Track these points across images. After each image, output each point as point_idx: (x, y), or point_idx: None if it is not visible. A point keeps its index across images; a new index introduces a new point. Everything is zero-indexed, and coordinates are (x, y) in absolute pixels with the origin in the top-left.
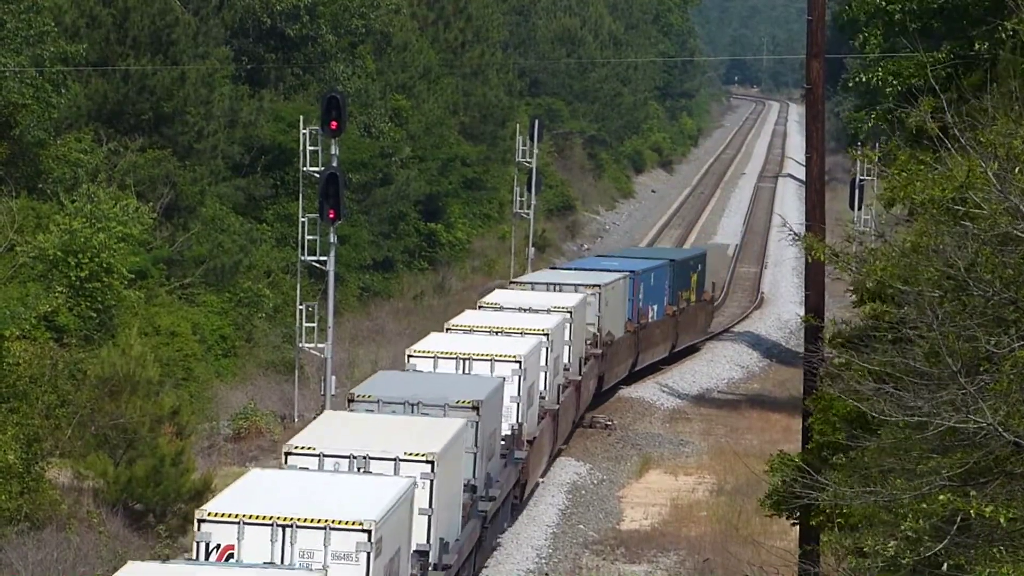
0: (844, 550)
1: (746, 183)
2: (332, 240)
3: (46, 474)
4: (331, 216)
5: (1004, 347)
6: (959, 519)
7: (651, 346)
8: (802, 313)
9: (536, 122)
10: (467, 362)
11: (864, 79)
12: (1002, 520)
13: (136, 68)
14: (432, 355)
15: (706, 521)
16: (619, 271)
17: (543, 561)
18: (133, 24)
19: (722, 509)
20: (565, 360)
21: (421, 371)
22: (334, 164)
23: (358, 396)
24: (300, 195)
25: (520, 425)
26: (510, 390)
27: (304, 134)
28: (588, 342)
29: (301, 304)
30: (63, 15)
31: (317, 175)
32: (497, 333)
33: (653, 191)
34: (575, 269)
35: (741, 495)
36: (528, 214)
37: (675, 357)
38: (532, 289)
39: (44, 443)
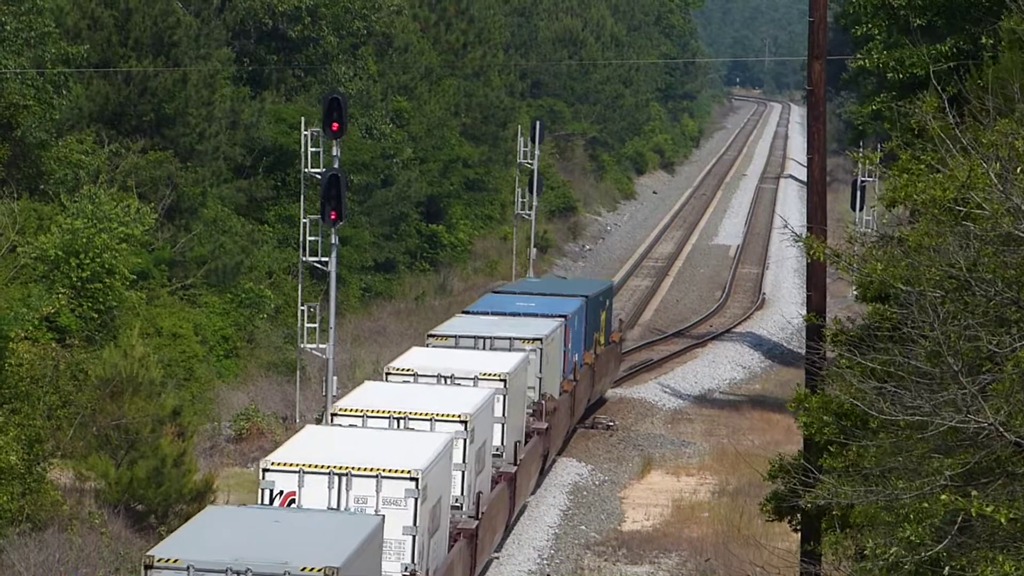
0: (845, 551)
1: (747, 184)
2: (333, 241)
3: (48, 475)
4: (332, 217)
5: (1006, 347)
6: (960, 519)
7: (579, 403)
8: (804, 313)
9: (537, 123)
10: (343, 477)
11: (867, 64)
12: (1003, 520)
13: (138, 69)
14: (296, 468)
15: (708, 522)
16: (550, 315)
17: (544, 562)
18: (135, 26)
19: (724, 510)
20: (497, 442)
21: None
22: (335, 165)
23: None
24: (302, 196)
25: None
26: (401, 519)
27: (305, 135)
28: (529, 413)
29: (302, 305)
30: (64, 17)
31: (319, 176)
32: (400, 421)
33: (654, 192)
34: (494, 314)
35: (743, 496)
36: (529, 215)
37: (586, 413)
38: (456, 346)
39: (46, 444)
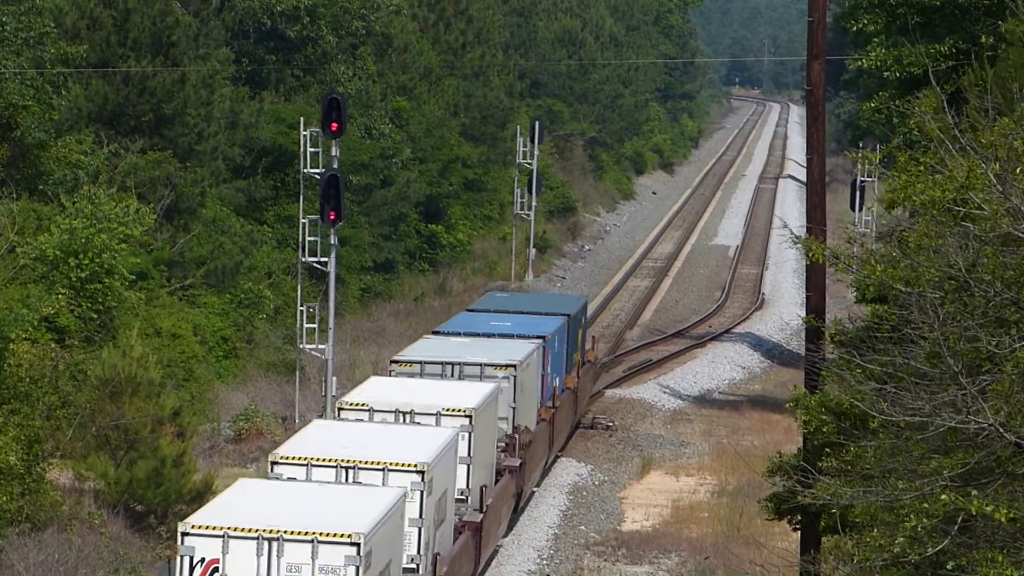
0: (844, 551)
1: (747, 184)
2: (333, 241)
3: (47, 475)
4: (332, 217)
5: (1005, 348)
6: (960, 519)
7: (559, 434)
8: (803, 314)
9: (537, 123)
10: (273, 542)
11: (864, 64)
12: (1003, 519)
13: (136, 70)
14: (220, 531)
15: (707, 522)
16: (527, 336)
17: (544, 562)
18: (133, 26)
19: (723, 510)
20: (462, 484)
21: None
22: (334, 166)
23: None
24: (301, 196)
25: None
26: None
27: (304, 136)
28: (500, 448)
29: (302, 305)
30: (63, 17)
31: (318, 177)
32: (349, 471)
33: (654, 192)
34: (466, 335)
35: (742, 496)
36: (529, 215)
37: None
38: (421, 373)
39: (45, 444)
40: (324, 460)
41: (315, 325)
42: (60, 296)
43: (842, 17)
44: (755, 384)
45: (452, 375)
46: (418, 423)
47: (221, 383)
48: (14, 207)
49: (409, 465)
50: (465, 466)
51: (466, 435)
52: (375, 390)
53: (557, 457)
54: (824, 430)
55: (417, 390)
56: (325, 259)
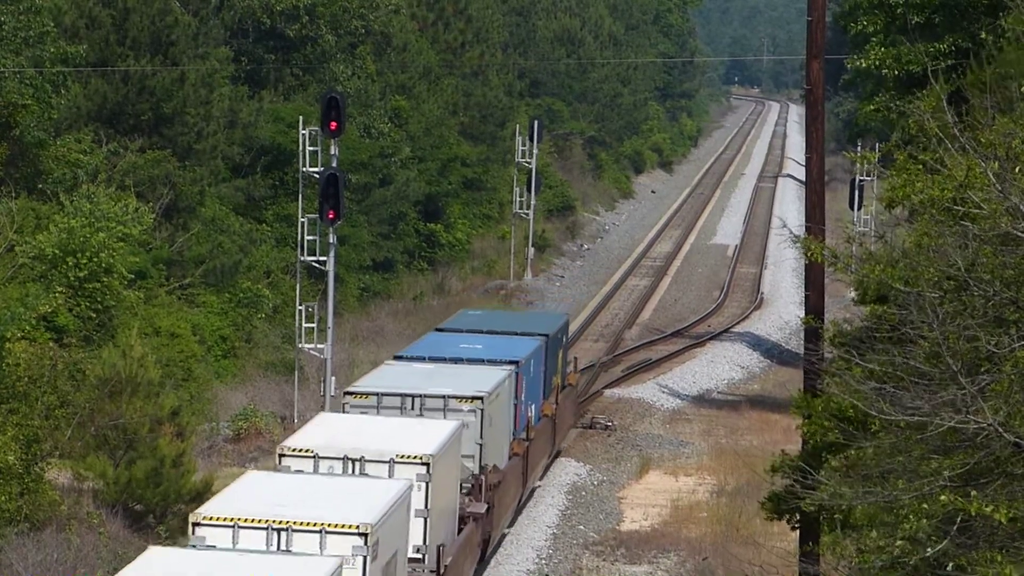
0: (844, 552)
1: (746, 183)
2: (332, 241)
3: (46, 475)
4: (331, 216)
5: (1004, 347)
6: (960, 519)
7: (534, 467)
8: (802, 314)
9: (536, 122)
10: (282, 531)
11: (864, 63)
12: (1003, 520)
13: (136, 69)
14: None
15: (706, 522)
16: (499, 362)
17: (543, 562)
18: (133, 25)
19: (722, 510)
20: (417, 541)
21: None
22: (334, 165)
23: None
24: (300, 196)
25: None
26: None
27: (304, 135)
28: (464, 491)
29: (301, 305)
30: (62, 16)
31: (317, 176)
32: (282, 534)
33: (653, 191)
34: (432, 360)
35: (741, 496)
36: (528, 214)
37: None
38: (378, 407)
39: (44, 444)
40: (255, 521)
41: (314, 324)
42: (58, 295)
43: (842, 17)
44: (754, 384)
45: (412, 408)
46: (367, 475)
47: (220, 383)
48: (13, 206)
49: (349, 526)
50: (421, 520)
51: (423, 485)
52: (322, 432)
53: (534, 491)
54: (827, 436)
55: (369, 432)
56: (324, 258)
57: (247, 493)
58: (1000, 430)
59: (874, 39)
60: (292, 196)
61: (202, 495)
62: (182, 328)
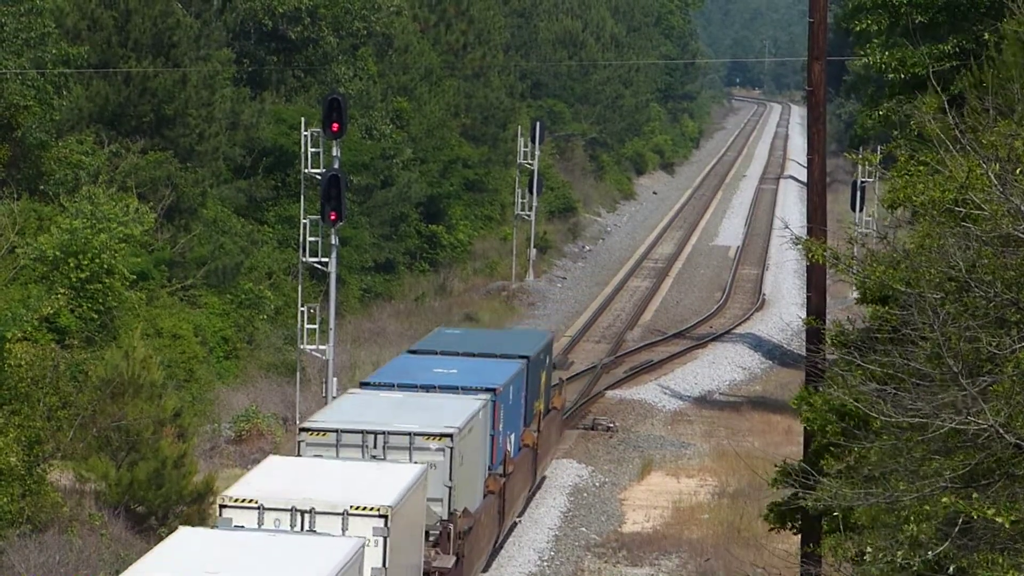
0: (845, 553)
1: (747, 185)
2: (333, 242)
3: (48, 476)
4: (332, 218)
5: (1006, 348)
6: (961, 521)
7: (512, 503)
8: (803, 315)
9: (537, 124)
10: (305, 513)
11: (869, 62)
12: (1005, 523)
13: (137, 70)
14: (256, 504)
15: (708, 523)
16: (474, 389)
17: (545, 563)
18: (134, 26)
19: (724, 511)
20: None
21: None
22: (335, 166)
23: None
24: (302, 197)
25: None
26: None
27: (305, 136)
28: (431, 541)
29: (302, 306)
30: (64, 17)
31: (318, 177)
32: None
33: (654, 193)
34: (401, 387)
35: (743, 497)
36: (529, 216)
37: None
38: (337, 445)
39: (46, 445)
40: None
41: (316, 326)
42: (60, 296)
43: (844, 18)
44: (756, 385)
45: (375, 446)
46: (315, 531)
47: (222, 384)
48: (15, 207)
49: None
50: None
51: (380, 540)
52: (270, 479)
53: (514, 526)
54: (827, 430)
55: (322, 478)
56: (326, 259)
57: (182, 550)
58: (1001, 431)
59: (876, 40)
60: (294, 197)
61: (204, 496)
62: (184, 329)
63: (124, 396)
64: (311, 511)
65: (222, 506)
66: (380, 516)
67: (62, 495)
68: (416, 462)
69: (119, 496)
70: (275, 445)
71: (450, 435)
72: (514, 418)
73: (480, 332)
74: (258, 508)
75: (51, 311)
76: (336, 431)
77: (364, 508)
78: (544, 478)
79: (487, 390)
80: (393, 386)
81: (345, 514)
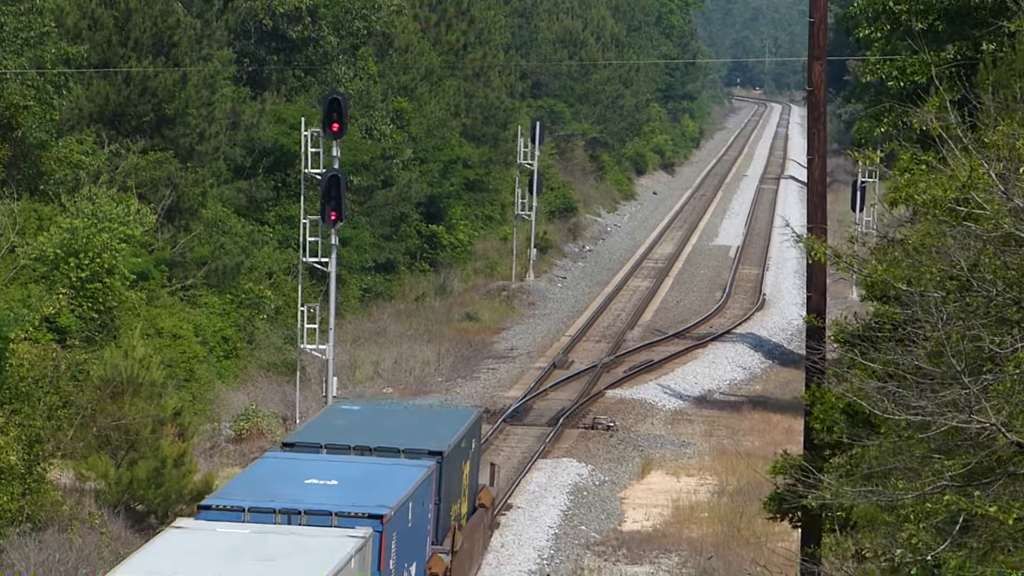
0: (845, 552)
1: (748, 185)
2: (333, 242)
3: (48, 475)
4: (332, 218)
5: (1007, 347)
6: (962, 519)
7: None
8: (804, 315)
9: (538, 124)
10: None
11: (871, 75)
12: (1009, 520)
13: (138, 70)
14: None
15: (707, 522)
16: (353, 516)
17: (544, 562)
18: (135, 26)
19: (724, 510)
20: None
21: None
22: (335, 166)
23: None
24: (302, 197)
25: None
26: None
27: (305, 136)
28: None
29: (302, 306)
30: (64, 17)
31: (319, 177)
32: None
33: (655, 193)
34: (254, 512)
35: (742, 496)
36: (530, 216)
37: None
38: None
39: (46, 444)
40: None
41: (316, 325)
42: (60, 296)
43: (844, 19)
44: (756, 385)
45: None
46: None
47: (222, 383)
48: (15, 207)
49: None
50: None
51: None
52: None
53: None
54: (834, 429)
55: None
56: (326, 259)
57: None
58: (1002, 430)
59: (876, 45)
60: (294, 197)
61: (203, 495)
62: (184, 329)
63: (124, 395)
64: None
65: None
66: None
67: (62, 494)
68: None
69: (119, 495)
70: (274, 444)
71: None
72: (416, 544)
73: (387, 409)
74: None
75: (52, 311)
76: None
77: None
78: None
79: (372, 516)
80: (243, 511)
81: None
